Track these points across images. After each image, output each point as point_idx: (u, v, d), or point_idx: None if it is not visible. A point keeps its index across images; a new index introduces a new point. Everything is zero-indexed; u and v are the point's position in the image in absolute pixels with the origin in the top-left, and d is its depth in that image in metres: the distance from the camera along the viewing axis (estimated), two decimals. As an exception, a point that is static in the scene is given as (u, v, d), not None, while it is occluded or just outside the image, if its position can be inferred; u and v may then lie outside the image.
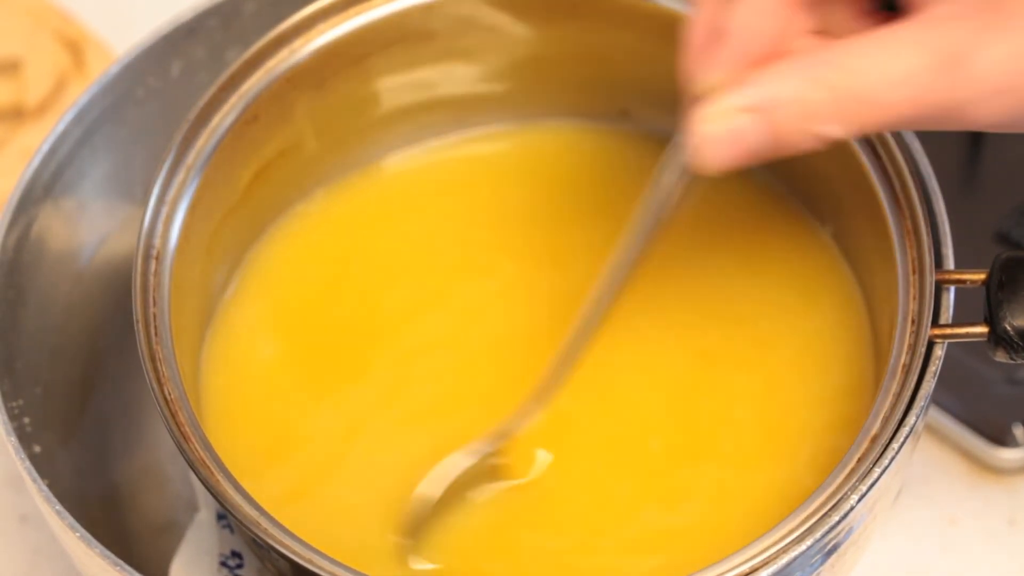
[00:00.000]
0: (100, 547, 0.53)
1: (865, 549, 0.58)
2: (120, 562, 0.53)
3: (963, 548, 0.66)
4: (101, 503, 0.64)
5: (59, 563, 0.67)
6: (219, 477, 0.53)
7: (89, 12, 0.82)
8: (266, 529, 0.52)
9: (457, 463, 0.58)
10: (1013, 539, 0.66)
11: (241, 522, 0.53)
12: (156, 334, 0.56)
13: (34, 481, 0.55)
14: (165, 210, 0.59)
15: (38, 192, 0.62)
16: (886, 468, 0.53)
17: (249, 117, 0.61)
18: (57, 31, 0.80)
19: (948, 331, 0.55)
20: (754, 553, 0.51)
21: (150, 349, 0.56)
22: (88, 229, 0.66)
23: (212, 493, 0.53)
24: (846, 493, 0.52)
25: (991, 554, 0.66)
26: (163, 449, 0.65)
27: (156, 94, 0.66)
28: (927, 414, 0.59)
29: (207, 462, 0.54)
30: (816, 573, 0.53)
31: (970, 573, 0.66)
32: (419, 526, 0.57)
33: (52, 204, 0.63)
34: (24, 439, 0.58)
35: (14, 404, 0.59)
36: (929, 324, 0.55)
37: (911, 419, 0.54)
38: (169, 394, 0.55)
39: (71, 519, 0.54)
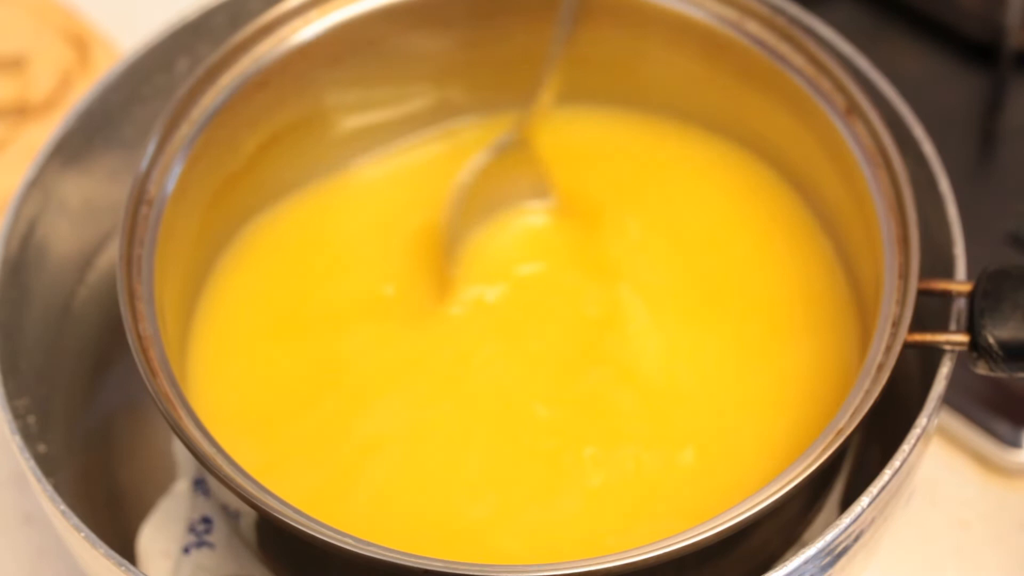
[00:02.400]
0: (105, 547, 0.53)
1: (876, 552, 0.58)
2: (124, 562, 0.53)
3: (975, 551, 0.66)
4: (105, 503, 0.64)
5: (63, 563, 0.66)
6: (182, 412, 0.54)
7: (95, 9, 0.82)
8: (222, 466, 0.52)
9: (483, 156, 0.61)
10: (1025, 542, 0.66)
11: (200, 457, 0.53)
12: (138, 273, 0.57)
13: (39, 480, 0.55)
14: (163, 160, 0.59)
15: (43, 189, 0.62)
16: (897, 470, 0.53)
17: (259, 81, 0.62)
18: (62, 28, 0.80)
19: (928, 337, 0.55)
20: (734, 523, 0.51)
21: (129, 286, 0.56)
22: (93, 227, 0.66)
23: (173, 428, 0.53)
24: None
25: (1003, 557, 0.66)
26: (168, 449, 0.65)
27: (162, 92, 0.66)
28: (939, 416, 0.58)
29: (172, 398, 0.54)
30: (826, 575, 0.53)
31: (981, 577, 0.66)
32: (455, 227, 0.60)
33: (57, 201, 0.63)
34: (29, 438, 0.58)
35: (19, 403, 0.59)
36: (907, 327, 0.55)
37: (922, 421, 0.54)
38: (143, 331, 0.56)
39: (76, 519, 0.54)
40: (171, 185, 0.59)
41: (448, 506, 0.58)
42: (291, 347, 0.62)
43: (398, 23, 0.64)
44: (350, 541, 0.51)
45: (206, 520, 0.61)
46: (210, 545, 0.61)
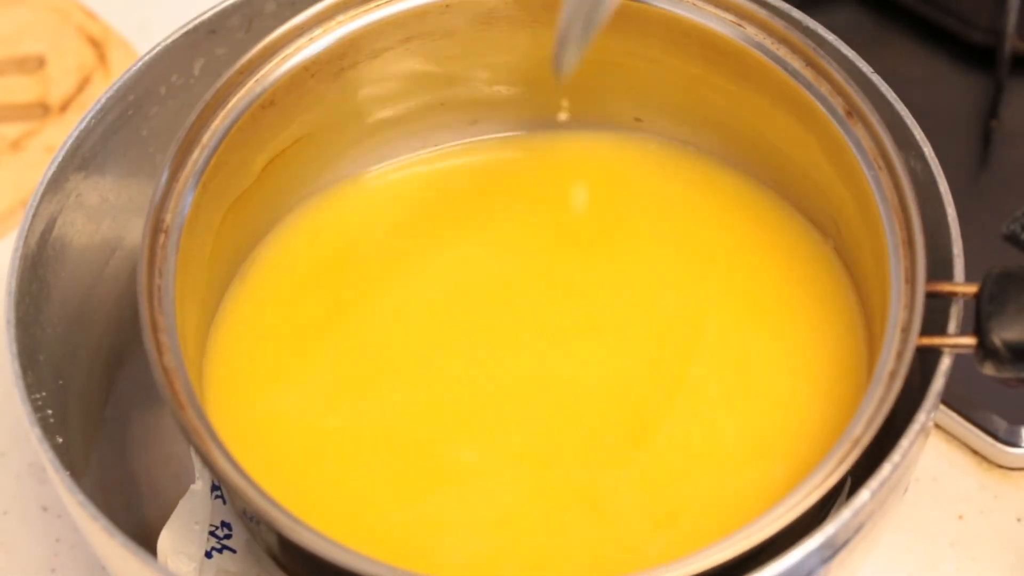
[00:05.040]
0: (122, 536, 0.54)
1: (875, 544, 0.58)
2: (141, 550, 0.54)
3: (971, 544, 0.66)
4: (121, 493, 0.65)
5: (80, 553, 0.67)
6: (211, 445, 0.54)
7: (112, 10, 0.82)
8: (253, 497, 0.53)
9: None
10: (1021, 536, 0.67)
11: (231, 489, 0.53)
12: (159, 304, 0.57)
13: (57, 471, 0.56)
14: (177, 186, 0.59)
15: (62, 187, 0.63)
16: (897, 465, 0.53)
17: (266, 102, 0.62)
18: (81, 28, 0.80)
19: (937, 340, 0.55)
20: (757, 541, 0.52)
21: (152, 318, 0.56)
22: (110, 224, 0.66)
23: (203, 459, 0.54)
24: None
25: (999, 550, 0.66)
26: (182, 441, 0.65)
27: (178, 92, 0.66)
28: (937, 412, 0.59)
29: (200, 430, 0.54)
30: (826, 567, 0.54)
31: (978, 569, 0.66)
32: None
33: (75, 199, 0.64)
34: (47, 430, 0.58)
35: (37, 396, 0.60)
36: (917, 333, 0.55)
37: (921, 416, 0.54)
38: (168, 363, 0.56)
39: (94, 509, 0.55)
40: (185, 211, 0.59)
41: (479, 530, 0.59)
42: (306, 361, 0.63)
43: (399, 36, 0.64)
44: (385, 572, 0.51)
45: (226, 525, 0.62)
46: (232, 550, 0.61)
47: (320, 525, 0.53)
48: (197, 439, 0.54)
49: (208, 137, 0.61)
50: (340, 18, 0.63)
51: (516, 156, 0.68)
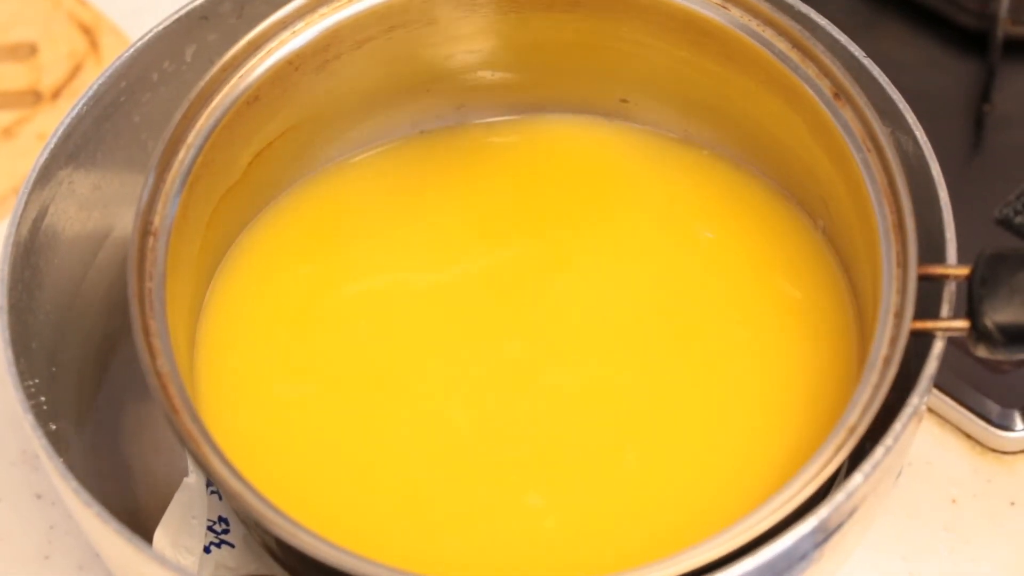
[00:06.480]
0: (116, 522, 0.54)
1: (868, 528, 0.58)
2: (135, 536, 0.54)
3: (964, 528, 0.66)
4: (114, 480, 0.65)
5: (74, 540, 0.67)
6: (207, 450, 0.54)
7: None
8: (250, 501, 0.53)
9: None
10: (1014, 520, 0.67)
11: (228, 494, 0.53)
12: (151, 308, 0.57)
13: (50, 458, 0.56)
14: (164, 188, 0.59)
15: (54, 175, 0.63)
16: (890, 449, 0.53)
17: (250, 97, 0.62)
18: (72, 15, 0.80)
19: (930, 324, 0.55)
20: (757, 532, 0.52)
21: (144, 323, 0.56)
22: (102, 212, 0.66)
23: (200, 465, 0.54)
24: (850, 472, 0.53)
25: (992, 534, 0.66)
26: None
27: (170, 78, 0.66)
28: (929, 396, 0.59)
29: (195, 435, 0.54)
30: (819, 551, 0.54)
31: (970, 553, 0.66)
32: None
33: (67, 187, 0.64)
34: (40, 417, 0.58)
35: (30, 383, 0.60)
36: (911, 317, 0.55)
37: (914, 400, 0.54)
38: (161, 368, 0.56)
39: (87, 495, 0.55)
40: (173, 212, 0.59)
41: (474, 526, 0.59)
42: (296, 355, 0.63)
43: (382, 26, 0.64)
44: (385, 573, 0.52)
45: (223, 520, 0.62)
46: (230, 544, 0.61)
47: (316, 524, 0.53)
48: (193, 444, 0.54)
49: (193, 136, 0.60)
50: (323, 11, 0.63)
51: (502, 140, 0.68)
